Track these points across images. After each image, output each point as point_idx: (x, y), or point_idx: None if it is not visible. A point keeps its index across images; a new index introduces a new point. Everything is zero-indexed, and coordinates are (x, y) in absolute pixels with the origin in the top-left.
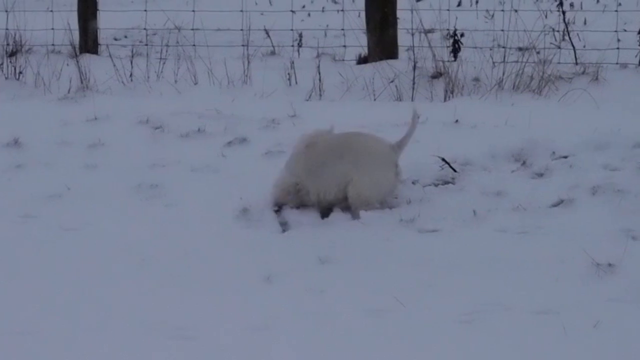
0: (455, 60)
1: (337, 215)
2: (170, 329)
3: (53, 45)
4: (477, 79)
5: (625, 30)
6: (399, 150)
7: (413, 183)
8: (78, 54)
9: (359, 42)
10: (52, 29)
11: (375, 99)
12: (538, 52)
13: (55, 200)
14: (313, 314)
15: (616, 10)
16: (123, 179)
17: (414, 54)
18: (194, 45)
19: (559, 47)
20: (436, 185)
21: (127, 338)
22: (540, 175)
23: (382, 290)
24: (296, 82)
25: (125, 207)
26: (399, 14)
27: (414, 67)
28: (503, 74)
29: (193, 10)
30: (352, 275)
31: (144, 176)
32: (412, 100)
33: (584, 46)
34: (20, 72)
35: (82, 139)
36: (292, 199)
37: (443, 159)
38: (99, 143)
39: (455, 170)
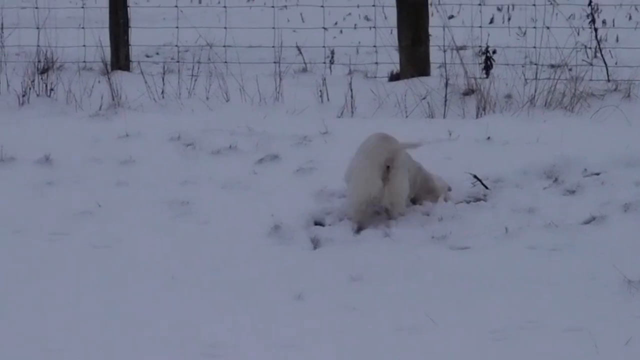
0: (487, 77)
1: (368, 232)
2: (200, 346)
3: (84, 62)
4: (509, 96)
5: None
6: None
7: (445, 200)
8: (109, 70)
9: (391, 59)
10: (84, 45)
11: (407, 116)
12: (570, 69)
13: (86, 217)
14: (344, 331)
15: None
16: (154, 196)
17: (445, 71)
18: (225, 62)
19: (591, 64)
20: (468, 202)
21: (158, 355)
22: (572, 192)
23: (413, 308)
24: (328, 99)
25: (156, 224)
26: (431, 30)
27: (446, 84)
28: (535, 90)
29: (225, 27)
30: (384, 292)
31: (175, 193)
32: (444, 117)
33: (616, 63)
34: (52, 89)
35: (113, 156)
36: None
37: (475, 176)
38: (130, 160)
39: (487, 187)
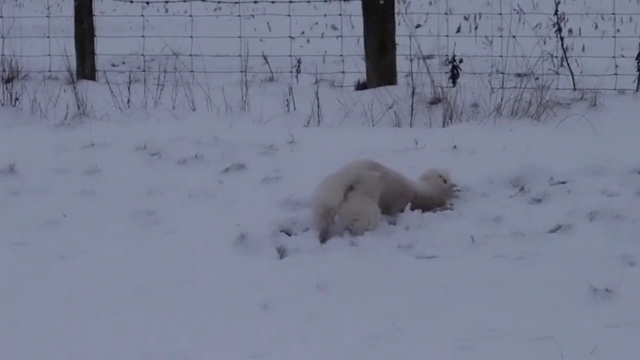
0: (454, 86)
1: (335, 241)
2: (166, 356)
3: (50, 71)
4: (475, 105)
5: (623, 56)
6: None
7: (412, 209)
8: (75, 80)
9: (358, 68)
10: (49, 55)
11: (374, 125)
12: (536, 78)
13: (51, 227)
14: (310, 340)
15: (614, 36)
16: (120, 206)
17: (412, 80)
18: (192, 71)
19: (557, 73)
20: (434, 211)
21: None
22: (538, 200)
23: (380, 317)
24: (295, 108)
25: (122, 234)
26: (397, 39)
27: (413, 93)
28: (501, 99)
29: (191, 37)
30: (350, 301)
31: (141, 203)
32: (410, 126)
33: (581, 72)
34: (17, 99)
35: (79, 166)
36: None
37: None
38: (96, 169)
39: (458, 191)
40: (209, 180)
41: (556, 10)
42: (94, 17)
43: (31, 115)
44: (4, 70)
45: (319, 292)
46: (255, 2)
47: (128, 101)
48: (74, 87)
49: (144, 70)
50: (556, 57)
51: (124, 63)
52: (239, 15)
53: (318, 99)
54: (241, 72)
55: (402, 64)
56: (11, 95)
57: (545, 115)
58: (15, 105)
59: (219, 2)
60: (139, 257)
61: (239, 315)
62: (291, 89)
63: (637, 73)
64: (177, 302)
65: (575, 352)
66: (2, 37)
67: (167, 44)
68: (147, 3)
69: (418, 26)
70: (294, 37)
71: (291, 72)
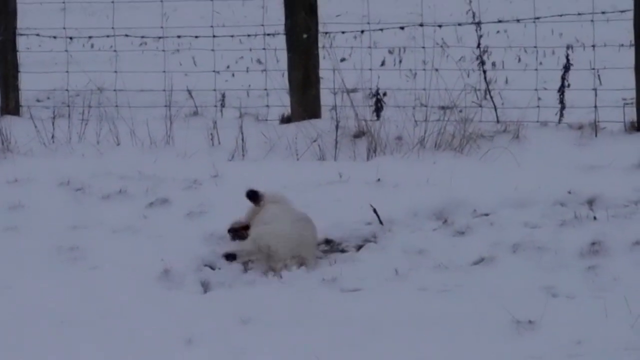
0: (377, 119)
1: (258, 276)
2: None
3: None
4: (399, 138)
5: (545, 89)
6: None
7: (330, 244)
8: None
9: (282, 102)
10: None
11: (298, 159)
12: (460, 111)
13: None
14: None
15: (536, 69)
16: (43, 241)
17: (336, 113)
18: (116, 105)
19: (480, 106)
20: (358, 248)
21: None
22: (462, 233)
23: (304, 351)
24: (219, 142)
25: (45, 270)
26: (321, 73)
27: (337, 127)
28: (425, 132)
29: (115, 71)
30: (274, 335)
31: (65, 238)
32: (335, 159)
33: (502, 104)
34: None
35: (2, 201)
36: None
37: (374, 210)
38: (19, 205)
39: (382, 223)
40: (133, 215)
41: (479, 44)
42: (17, 53)
43: None
44: None
45: (243, 326)
46: (179, 37)
47: (52, 136)
48: None
49: (68, 106)
50: (479, 90)
51: (48, 98)
52: (164, 50)
53: (242, 133)
54: (165, 106)
55: (326, 98)
56: None
57: (469, 148)
58: None
59: (142, 37)
60: (63, 292)
61: (163, 350)
62: (215, 123)
63: (559, 105)
64: (100, 337)
65: None
66: None
67: (92, 79)
68: (71, 38)
69: (343, 60)
70: (218, 72)
71: (215, 106)
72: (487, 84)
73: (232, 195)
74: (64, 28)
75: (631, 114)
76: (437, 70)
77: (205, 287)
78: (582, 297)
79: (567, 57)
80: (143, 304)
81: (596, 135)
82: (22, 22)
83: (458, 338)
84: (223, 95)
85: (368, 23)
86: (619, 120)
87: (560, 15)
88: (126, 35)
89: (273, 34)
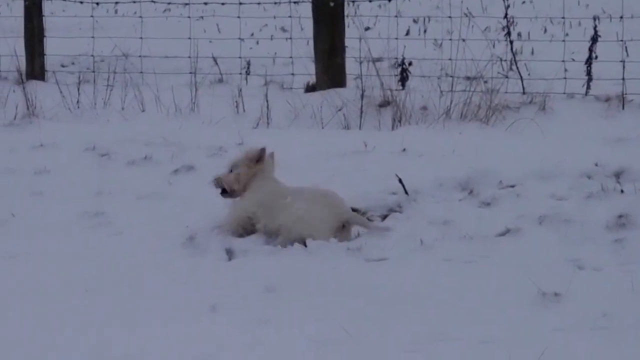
0: (403, 89)
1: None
2: (113, 357)
3: None
4: (424, 108)
5: (573, 60)
6: None
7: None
8: (24, 80)
9: (307, 70)
10: None
11: (323, 127)
12: (486, 82)
13: None
14: (258, 343)
15: (563, 40)
16: (69, 207)
17: (362, 83)
18: (141, 72)
19: (507, 77)
20: (383, 218)
21: None
22: (487, 204)
23: (328, 320)
24: (244, 110)
25: (70, 235)
26: (347, 42)
27: (362, 96)
28: (451, 102)
29: (141, 37)
30: (298, 304)
31: (90, 204)
32: (360, 128)
33: (529, 74)
34: None
35: (28, 166)
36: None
37: (400, 180)
38: (45, 170)
39: (407, 193)
40: (158, 181)
41: (506, 14)
42: (43, 18)
43: None
44: None
45: (267, 294)
46: (206, 3)
47: (77, 102)
48: (24, 88)
49: (93, 71)
50: (505, 60)
51: (73, 64)
52: (189, 17)
53: (267, 101)
54: (191, 73)
55: (351, 67)
56: None
57: (495, 119)
58: None
59: (169, 3)
60: (88, 257)
61: (187, 317)
62: (240, 90)
63: (586, 77)
64: (125, 303)
65: (523, 356)
66: None
67: (117, 44)
68: (97, 4)
69: (367, 29)
70: (243, 39)
71: (240, 73)
72: (514, 54)
73: None
74: None
75: None
76: (463, 40)
77: (230, 254)
78: (608, 269)
79: (594, 28)
80: (167, 271)
81: (623, 108)
82: None
83: (483, 309)
84: (248, 63)
85: None
86: None
87: None
88: (152, 1)
89: (297, 2)
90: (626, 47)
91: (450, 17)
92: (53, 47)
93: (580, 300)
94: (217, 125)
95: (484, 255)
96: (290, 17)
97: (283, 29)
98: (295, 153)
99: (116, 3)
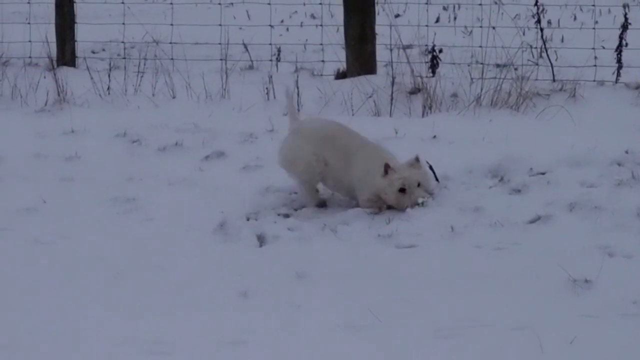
0: (433, 76)
1: (314, 231)
2: (145, 344)
3: (30, 57)
4: (455, 95)
5: (603, 48)
6: None
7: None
8: (55, 66)
9: (338, 57)
10: (30, 41)
11: (353, 114)
12: (516, 69)
13: (30, 213)
14: (289, 329)
15: (594, 28)
16: (99, 193)
17: (392, 70)
18: (172, 59)
19: (537, 64)
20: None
21: (101, 352)
22: (518, 191)
23: (359, 306)
24: (274, 97)
25: (102, 221)
26: (377, 29)
27: (392, 83)
28: (481, 90)
29: (171, 24)
30: (329, 290)
31: (121, 190)
32: (390, 115)
33: (557, 60)
34: None
35: (59, 152)
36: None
37: (430, 166)
38: (76, 156)
39: (438, 180)
40: (189, 167)
41: (536, 1)
42: (74, 4)
43: (11, 101)
44: None
45: (298, 280)
46: None
47: (108, 88)
48: (54, 74)
49: (124, 58)
50: (535, 48)
51: (103, 50)
52: (219, 4)
53: (298, 88)
54: (221, 60)
55: (381, 54)
56: None
57: (525, 106)
58: None
59: None
60: (119, 243)
61: (218, 303)
62: (271, 77)
63: (617, 65)
64: (156, 288)
65: (554, 342)
66: None
67: (147, 31)
68: None
69: (397, 16)
70: (273, 26)
71: (271, 60)
72: (544, 42)
73: None
74: None
75: None
76: (493, 28)
77: (261, 240)
78: (638, 257)
79: (625, 16)
80: (199, 257)
81: None
82: None
83: (514, 296)
84: (279, 50)
85: None
86: None
87: None
88: None
89: None
90: None
91: (480, 4)
92: (83, 34)
93: (611, 288)
94: (248, 112)
95: (514, 242)
96: (320, 4)
97: (313, 16)
98: None
99: None
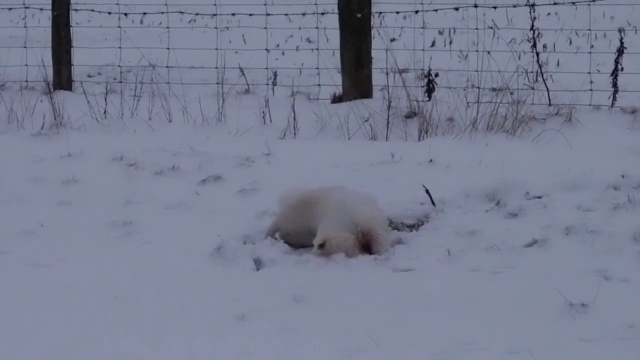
0: (429, 100)
1: (311, 255)
2: None
3: (27, 81)
4: (451, 119)
5: (598, 72)
6: None
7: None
8: (52, 90)
9: (334, 81)
10: (26, 65)
11: (349, 138)
12: (512, 93)
13: (28, 236)
14: (286, 353)
15: (589, 52)
16: (96, 216)
17: (388, 94)
18: (168, 82)
19: (533, 88)
20: (410, 227)
21: None
22: (514, 215)
23: (356, 330)
24: (271, 121)
25: (99, 244)
26: (373, 53)
27: (389, 107)
28: (477, 114)
29: (167, 48)
30: (326, 314)
31: (118, 213)
32: (386, 139)
33: (552, 82)
34: None
35: (56, 176)
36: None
37: (427, 190)
38: (73, 180)
39: (434, 204)
40: (185, 191)
41: (532, 26)
42: (71, 28)
43: (8, 125)
44: None
45: (295, 304)
46: (233, 14)
47: (104, 112)
48: (51, 98)
49: (120, 82)
50: (531, 72)
51: (99, 74)
52: (215, 27)
53: (294, 112)
54: (217, 83)
55: (377, 78)
56: None
57: (521, 130)
58: None
59: (196, 14)
60: (115, 267)
61: (215, 326)
62: (267, 101)
63: (612, 89)
64: (152, 313)
65: None
66: None
67: (144, 55)
68: (126, 15)
69: (393, 40)
70: (269, 50)
71: (267, 84)
72: (540, 66)
73: (284, 173)
74: (117, 4)
75: None
76: (488, 52)
77: (258, 264)
78: (635, 281)
79: (621, 40)
80: (196, 280)
81: None
82: None
83: (510, 320)
84: (275, 74)
85: (422, 3)
86: None
87: None
88: (180, 12)
89: (323, 13)
90: None
91: (476, 28)
92: (80, 58)
93: (607, 311)
94: (244, 136)
95: (510, 266)
96: (316, 28)
97: (309, 40)
98: (322, 163)
99: (144, 14)
